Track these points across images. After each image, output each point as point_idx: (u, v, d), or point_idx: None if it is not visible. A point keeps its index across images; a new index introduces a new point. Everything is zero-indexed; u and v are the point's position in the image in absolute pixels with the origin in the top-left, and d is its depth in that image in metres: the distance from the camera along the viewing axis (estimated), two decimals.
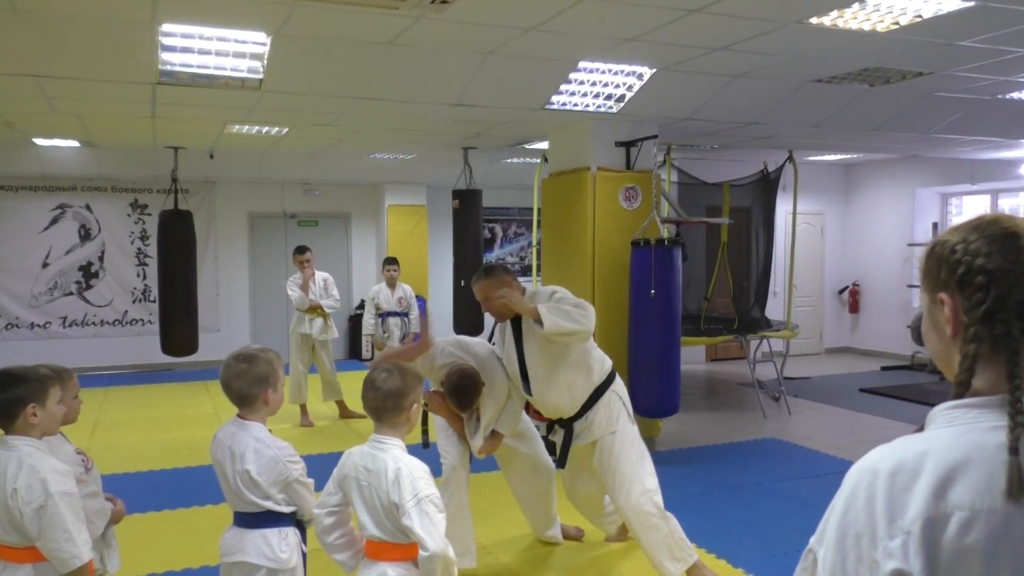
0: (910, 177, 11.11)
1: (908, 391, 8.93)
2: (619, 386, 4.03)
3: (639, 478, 3.81)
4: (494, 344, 4.21)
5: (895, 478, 1.03)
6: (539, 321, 3.55)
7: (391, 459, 2.33)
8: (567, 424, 3.99)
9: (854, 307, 12.04)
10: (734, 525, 4.89)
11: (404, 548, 2.30)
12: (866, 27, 4.45)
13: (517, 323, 3.93)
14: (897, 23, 4.38)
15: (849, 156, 10.59)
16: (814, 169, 11.50)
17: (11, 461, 2.32)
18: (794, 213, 8.79)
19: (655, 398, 6.22)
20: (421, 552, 2.21)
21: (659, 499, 3.84)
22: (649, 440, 6.67)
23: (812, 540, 1.12)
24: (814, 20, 4.29)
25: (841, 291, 12.12)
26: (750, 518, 5.02)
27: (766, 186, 8.90)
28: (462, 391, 3.77)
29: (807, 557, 1.12)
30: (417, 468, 2.33)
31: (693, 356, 10.82)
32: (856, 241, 11.97)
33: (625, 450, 3.85)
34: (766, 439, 7.06)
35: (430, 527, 2.22)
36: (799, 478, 5.85)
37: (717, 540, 4.61)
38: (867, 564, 1.02)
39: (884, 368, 10.66)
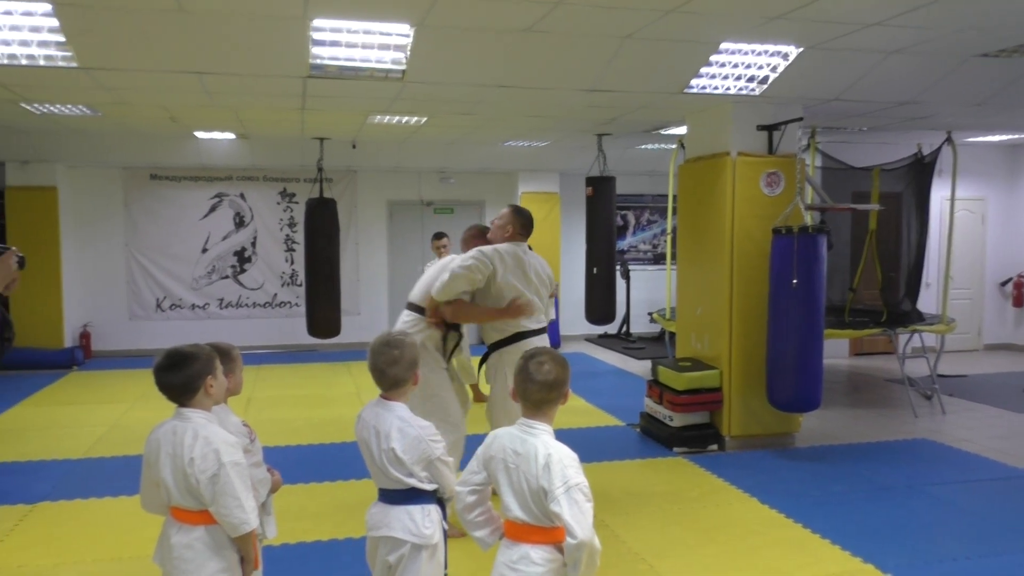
0: None
1: None
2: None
3: None
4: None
5: None
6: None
7: (541, 445, 2.35)
8: None
9: (1019, 300, 11.12)
10: (881, 528, 4.64)
11: (547, 532, 2.32)
12: None
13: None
14: None
15: (1016, 136, 9.75)
16: (975, 151, 10.69)
17: (187, 432, 2.51)
18: (952, 199, 8.21)
19: (795, 392, 5.98)
20: (568, 539, 2.21)
21: None
22: (788, 435, 6.46)
23: None
24: None
25: (1004, 283, 11.22)
26: (900, 522, 4.75)
27: (920, 170, 8.36)
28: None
29: None
30: (567, 456, 2.33)
31: (835, 350, 10.33)
32: (1023, 229, 11.04)
33: None
34: (917, 439, 6.65)
35: (579, 515, 2.22)
36: (956, 482, 5.48)
37: (862, 542, 4.40)
38: None
39: None
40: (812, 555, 4.26)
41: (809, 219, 6.32)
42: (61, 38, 4.66)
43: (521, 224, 4.63)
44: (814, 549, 4.34)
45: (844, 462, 5.98)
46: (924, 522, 4.76)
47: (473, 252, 4.41)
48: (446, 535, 2.76)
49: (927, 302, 9.76)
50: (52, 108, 6.95)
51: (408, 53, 5.03)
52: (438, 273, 4.55)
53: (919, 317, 8.19)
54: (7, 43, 4.72)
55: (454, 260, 4.49)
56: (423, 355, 4.48)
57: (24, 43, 4.73)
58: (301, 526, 4.61)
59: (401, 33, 4.74)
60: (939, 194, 9.52)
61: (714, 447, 6.33)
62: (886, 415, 7.51)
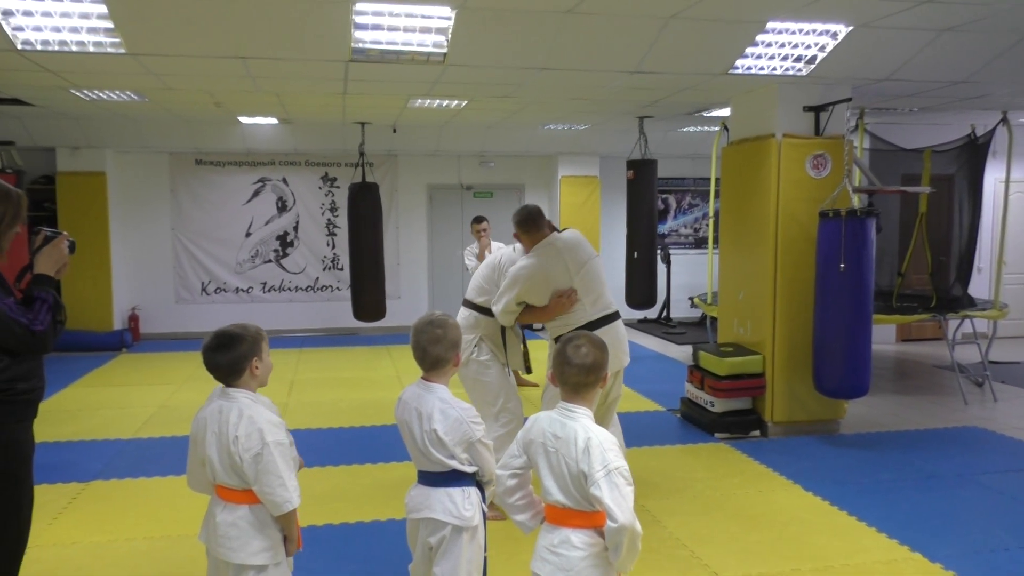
0: None
1: None
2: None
3: None
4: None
5: None
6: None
7: (581, 428, 2.34)
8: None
9: None
10: (930, 517, 4.54)
11: (587, 515, 2.31)
12: None
13: None
14: None
15: None
16: None
17: (232, 411, 2.55)
18: (1007, 181, 7.96)
19: (842, 378, 5.88)
20: (609, 523, 2.21)
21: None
22: (833, 422, 6.36)
23: None
24: None
25: None
26: (949, 511, 4.65)
27: (973, 151, 8.12)
28: None
29: None
30: (607, 439, 2.32)
31: (882, 335, 10.11)
32: None
33: None
34: (967, 427, 6.49)
35: (619, 499, 2.21)
36: (1007, 471, 5.35)
37: (910, 531, 4.31)
38: None
39: None
40: (858, 543, 4.20)
41: (857, 202, 6.18)
42: (109, 24, 4.74)
43: (532, 225, 4.42)
44: (860, 537, 4.27)
45: (891, 450, 5.87)
46: (974, 512, 4.65)
47: (516, 271, 4.37)
48: (486, 517, 2.76)
49: (979, 287, 9.51)
50: (101, 94, 7.08)
51: (449, 36, 5.01)
52: (490, 274, 4.67)
53: (970, 302, 7.98)
54: (58, 30, 4.82)
55: (513, 267, 4.43)
56: (480, 353, 4.60)
57: (74, 30, 4.82)
58: (342, 507, 4.67)
59: (442, 16, 4.72)
60: (993, 176, 9.23)
61: (756, 433, 6.25)
62: (935, 402, 7.35)
